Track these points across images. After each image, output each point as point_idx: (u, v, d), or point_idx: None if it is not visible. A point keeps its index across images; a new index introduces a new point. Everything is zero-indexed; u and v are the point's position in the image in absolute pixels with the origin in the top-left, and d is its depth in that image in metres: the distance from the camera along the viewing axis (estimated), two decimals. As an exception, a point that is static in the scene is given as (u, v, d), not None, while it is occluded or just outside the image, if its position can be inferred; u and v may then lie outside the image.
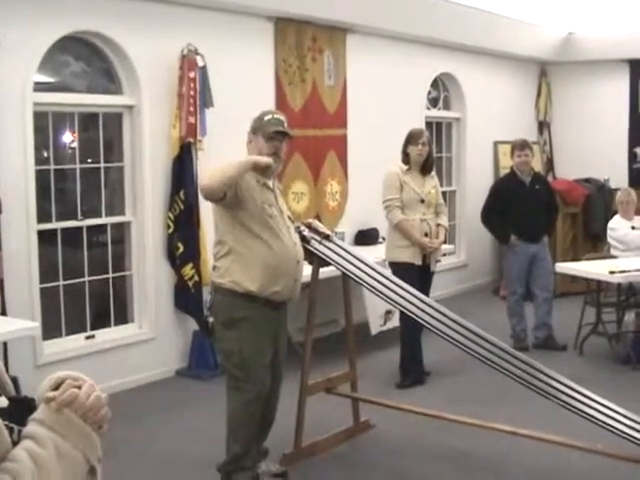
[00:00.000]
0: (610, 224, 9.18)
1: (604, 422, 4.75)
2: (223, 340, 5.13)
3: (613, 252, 9.01)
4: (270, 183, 5.16)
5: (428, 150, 7.45)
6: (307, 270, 5.66)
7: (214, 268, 5.18)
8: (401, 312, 6.56)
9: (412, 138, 7.43)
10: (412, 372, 7.55)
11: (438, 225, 7.51)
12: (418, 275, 7.23)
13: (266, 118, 5.13)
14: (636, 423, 4.76)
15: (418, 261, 7.35)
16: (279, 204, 5.20)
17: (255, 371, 5.05)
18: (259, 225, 4.97)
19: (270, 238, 4.99)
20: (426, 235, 7.36)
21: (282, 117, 5.24)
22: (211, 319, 5.13)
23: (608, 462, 5.19)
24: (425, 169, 7.48)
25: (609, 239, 9.16)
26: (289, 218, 5.27)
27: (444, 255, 9.69)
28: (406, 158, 7.44)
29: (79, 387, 1.71)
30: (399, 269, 7.08)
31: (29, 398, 1.75)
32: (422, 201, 7.38)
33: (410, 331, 7.41)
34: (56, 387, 1.71)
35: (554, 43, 12.78)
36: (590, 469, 5.47)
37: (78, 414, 1.68)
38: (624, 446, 4.93)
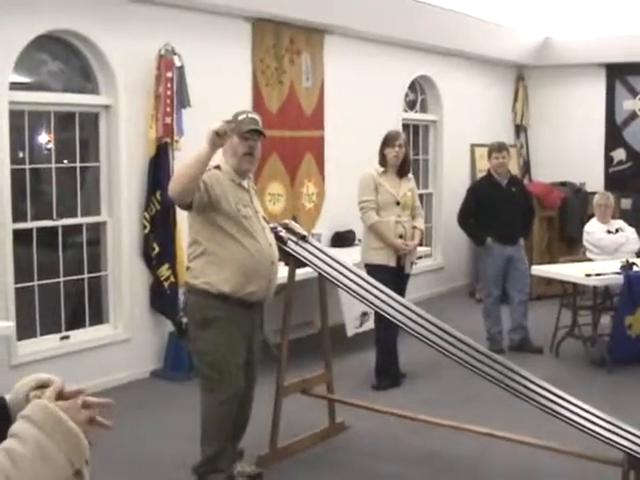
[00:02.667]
0: (586, 227, 9.22)
1: (579, 424, 4.76)
2: (196, 340, 5.11)
3: (589, 255, 9.04)
4: (245, 183, 5.14)
5: (404, 152, 7.47)
6: (283, 271, 5.65)
7: (188, 268, 5.17)
8: (376, 314, 6.57)
9: (388, 140, 7.44)
10: (388, 374, 7.55)
11: (414, 227, 7.52)
12: (392, 277, 7.23)
13: (240, 117, 5.11)
14: (611, 425, 4.77)
15: (392, 263, 7.36)
16: (254, 204, 5.18)
17: (228, 372, 5.04)
18: (233, 226, 4.95)
19: (244, 238, 4.97)
20: (401, 237, 7.37)
21: (257, 117, 5.23)
22: (185, 319, 5.12)
23: (583, 464, 5.20)
24: (402, 171, 7.50)
25: (585, 242, 9.19)
26: (264, 218, 5.25)
27: (420, 258, 9.71)
28: (383, 160, 7.45)
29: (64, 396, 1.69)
30: (373, 271, 7.07)
31: (0, 397, 1.72)
32: (397, 203, 7.40)
33: (385, 333, 7.41)
34: (37, 388, 1.68)
35: (531, 47, 12.83)
36: (565, 470, 5.48)
37: (69, 415, 1.65)
38: (599, 448, 4.93)
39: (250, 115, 5.20)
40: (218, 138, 4.71)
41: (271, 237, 5.24)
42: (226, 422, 5.12)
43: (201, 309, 5.02)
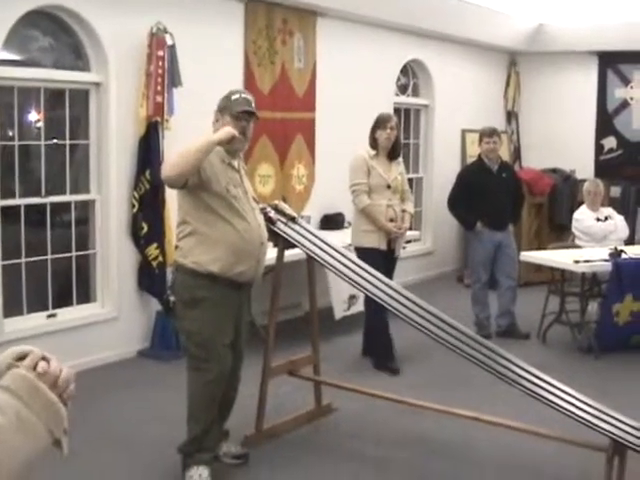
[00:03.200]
0: (576, 215, 9.23)
1: (565, 408, 4.77)
2: (184, 320, 5.09)
3: (578, 242, 9.06)
4: (235, 163, 5.12)
5: (396, 135, 7.46)
6: (272, 253, 5.64)
7: (176, 248, 5.15)
8: (366, 297, 6.56)
9: (380, 122, 7.42)
10: (379, 353, 7.58)
11: (403, 211, 7.52)
12: (383, 260, 7.23)
13: (233, 97, 5.08)
14: (596, 410, 4.78)
15: (383, 246, 7.37)
16: (244, 185, 5.16)
17: (216, 351, 5.02)
18: (223, 206, 4.93)
19: (234, 219, 4.95)
20: (392, 220, 7.36)
21: (250, 97, 5.20)
22: (172, 298, 5.11)
23: (568, 448, 5.21)
24: (392, 154, 7.49)
25: (574, 230, 9.21)
26: (254, 199, 5.24)
27: (409, 242, 9.72)
28: (374, 143, 7.44)
29: (46, 360, 1.67)
30: (364, 254, 7.06)
31: None
32: (388, 187, 7.39)
33: (376, 317, 7.41)
34: (18, 359, 1.67)
35: (524, 33, 12.81)
36: (550, 455, 5.49)
37: (48, 384, 1.64)
38: (584, 433, 4.95)
39: (243, 95, 5.17)
40: (230, 140, 4.83)
41: (260, 218, 5.22)
42: (212, 402, 5.11)
43: (189, 288, 5.00)
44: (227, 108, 5.04)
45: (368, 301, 7.13)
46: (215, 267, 4.92)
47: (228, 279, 4.97)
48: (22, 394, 1.60)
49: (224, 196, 4.93)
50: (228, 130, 4.85)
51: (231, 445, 5.47)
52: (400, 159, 7.66)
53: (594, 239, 8.93)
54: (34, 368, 1.65)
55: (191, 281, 4.99)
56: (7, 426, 1.55)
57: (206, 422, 5.12)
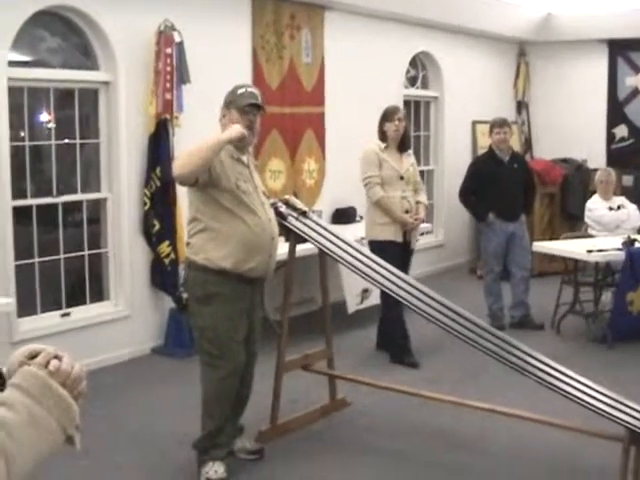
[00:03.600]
0: (588, 204, 9.20)
1: (580, 399, 4.76)
2: (197, 316, 5.09)
3: (590, 232, 9.04)
4: (245, 158, 5.12)
5: (404, 126, 7.45)
6: (284, 248, 5.63)
7: (188, 244, 5.16)
8: (382, 291, 6.56)
9: (388, 115, 7.43)
10: (394, 347, 7.57)
11: (417, 202, 7.51)
12: (399, 252, 7.24)
13: (239, 92, 5.08)
14: (611, 400, 4.77)
15: (399, 238, 7.36)
16: (254, 179, 5.15)
17: (229, 347, 5.03)
18: (233, 202, 4.93)
19: (245, 214, 4.95)
20: (407, 212, 7.36)
21: (256, 91, 5.20)
22: (185, 295, 5.11)
23: (583, 439, 5.20)
24: (402, 146, 7.48)
25: (586, 219, 9.18)
26: (264, 194, 5.23)
27: (422, 234, 9.69)
28: (383, 136, 7.43)
29: (58, 358, 1.68)
30: (380, 247, 7.08)
31: None
32: (401, 178, 7.38)
33: (392, 311, 7.39)
34: (31, 358, 1.68)
35: (533, 23, 12.76)
36: (566, 446, 5.49)
37: (59, 382, 1.64)
38: (600, 423, 4.94)
39: (249, 89, 5.17)
40: (238, 139, 4.84)
41: (271, 212, 5.22)
42: (226, 398, 5.11)
43: (201, 285, 5.00)
44: (233, 102, 5.04)
45: (384, 294, 7.11)
46: (227, 263, 4.92)
47: (240, 275, 4.97)
48: (33, 391, 1.61)
49: (234, 192, 4.93)
50: (238, 129, 4.85)
51: (246, 441, 5.47)
52: (410, 151, 7.66)
53: (607, 228, 8.90)
54: (46, 366, 1.66)
55: (203, 277, 4.99)
56: (19, 423, 1.57)
57: (220, 418, 5.13)
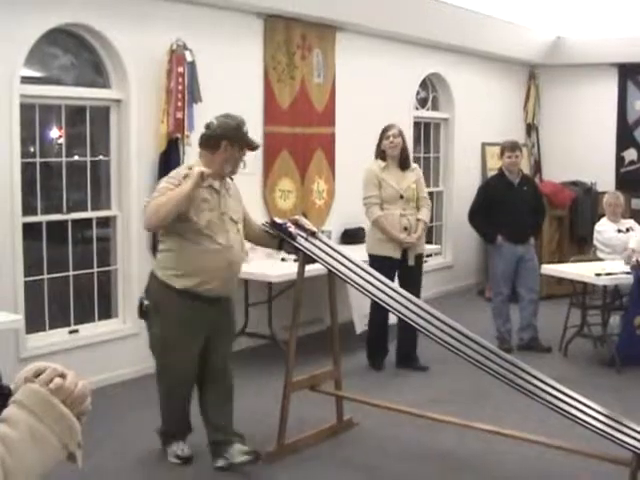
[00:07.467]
0: (597, 227, 9.19)
1: (587, 422, 4.75)
2: (152, 325, 5.34)
3: (599, 255, 9.02)
4: (216, 184, 5.20)
5: (402, 142, 7.56)
6: (293, 268, 5.64)
7: (155, 258, 5.51)
8: (372, 304, 6.94)
9: (383, 133, 7.70)
10: (379, 352, 7.87)
11: (417, 220, 7.60)
12: (396, 269, 7.48)
13: (244, 129, 5.24)
14: (619, 424, 4.76)
15: (397, 255, 7.52)
16: (221, 206, 5.22)
17: (176, 360, 5.26)
18: (190, 232, 5.12)
19: (203, 241, 5.13)
20: (405, 229, 7.48)
21: None
22: (146, 302, 5.26)
23: (590, 462, 5.18)
24: (403, 164, 7.59)
25: (595, 242, 9.17)
26: (231, 220, 5.30)
27: (430, 255, 9.71)
28: (382, 155, 7.58)
29: (62, 376, 1.69)
30: (377, 262, 7.25)
31: (6, 386, 1.72)
32: (401, 197, 7.53)
33: (380, 315, 7.57)
34: (37, 375, 1.68)
35: (543, 46, 12.80)
36: (572, 469, 5.46)
37: (62, 399, 1.65)
38: (607, 447, 4.93)
39: (247, 127, 5.30)
40: (202, 180, 4.97)
41: (235, 238, 5.31)
42: (174, 408, 5.52)
43: (157, 294, 5.25)
44: (240, 140, 5.15)
45: (373, 307, 7.53)
46: (181, 284, 5.15)
47: (195, 293, 5.16)
48: (35, 408, 1.62)
49: (192, 225, 5.10)
50: (198, 171, 4.96)
51: (242, 446, 5.42)
52: (414, 165, 7.81)
53: (615, 251, 8.87)
54: (49, 383, 1.67)
55: (159, 290, 5.23)
56: (20, 439, 1.58)
57: (168, 423, 5.57)
